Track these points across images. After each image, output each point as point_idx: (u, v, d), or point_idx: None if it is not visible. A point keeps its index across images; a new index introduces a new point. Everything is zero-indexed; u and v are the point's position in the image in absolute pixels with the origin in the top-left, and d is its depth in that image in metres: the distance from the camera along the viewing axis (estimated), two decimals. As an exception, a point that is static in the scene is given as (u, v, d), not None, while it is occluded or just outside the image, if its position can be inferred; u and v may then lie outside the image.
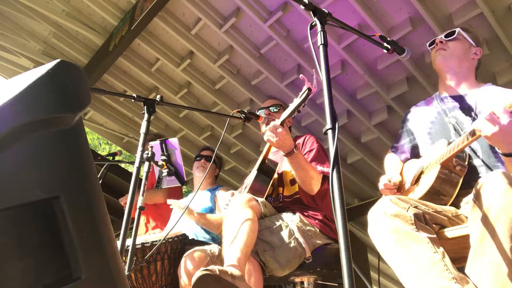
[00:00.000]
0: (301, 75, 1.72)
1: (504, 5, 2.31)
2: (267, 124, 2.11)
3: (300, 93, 1.75)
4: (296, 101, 1.77)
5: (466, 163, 1.43)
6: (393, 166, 1.80)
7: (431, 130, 1.67)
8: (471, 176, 1.45)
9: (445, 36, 1.71)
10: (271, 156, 2.16)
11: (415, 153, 1.76)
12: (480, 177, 1.43)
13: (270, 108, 2.35)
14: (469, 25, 2.34)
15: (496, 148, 1.47)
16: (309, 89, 1.69)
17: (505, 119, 1.15)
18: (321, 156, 2.06)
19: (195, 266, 1.85)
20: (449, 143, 1.44)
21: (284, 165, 2.13)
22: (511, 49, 2.48)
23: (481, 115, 1.21)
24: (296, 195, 2.06)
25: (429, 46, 1.79)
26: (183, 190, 4.01)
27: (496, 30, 2.37)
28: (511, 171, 1.29)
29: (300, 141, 2.21)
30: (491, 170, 1.45)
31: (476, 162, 1.49)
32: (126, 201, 3.05)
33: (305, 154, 2.09)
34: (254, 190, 1.96)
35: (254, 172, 2.06)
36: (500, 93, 1.56)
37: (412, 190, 1.54)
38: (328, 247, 1.93)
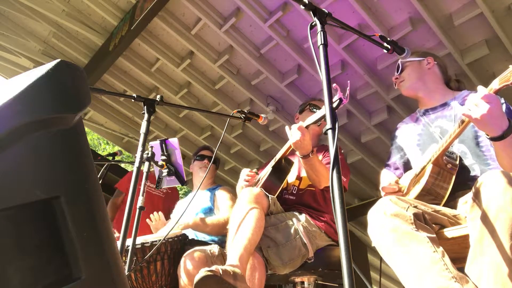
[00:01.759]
0: (334, 84, 1.67)
1: (504, 5, 2.31)
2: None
3: None
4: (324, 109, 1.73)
5: (457, 162, 1.44)
6: (389, 177, 1.81)
7: (419, 141, 1.71)
8: (466, 175, 1.46)
9: (396, 72, 1.88)
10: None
11: (407, 168, 1.79)
12: (474, 175, 1.44)
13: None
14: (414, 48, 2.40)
15: (483, 147, 1.48)
16: (341, 100, 1.63)
17: (491, 101, 1.15)
18: (342, 164, 2.08)
19: (194, 266, 1.85)
20: None
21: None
22: (511, 49, 2.48)
23: (467, 101, 1.21)
24: (309, 187, 2.09)
25: (395, 86, 1.91)
26: (184, 190, 4.01)
27: (496, 30, 2.37)
28: (501, 156, 1.29)
29: (324, 150, 2.23)
30: (484, 167, 1.46)
31: (468, 162, 1.50)
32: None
33: (326, 157, 2.13)
34: (267, 186, 1.96)
35: (269, 168, 2.05)
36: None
37: (408, 193, 1.55)
38: (330, 248, 1.94)
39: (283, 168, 2.04)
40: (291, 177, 2.15)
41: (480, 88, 1.20)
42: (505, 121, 1.18)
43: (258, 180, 2.13)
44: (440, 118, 1.67)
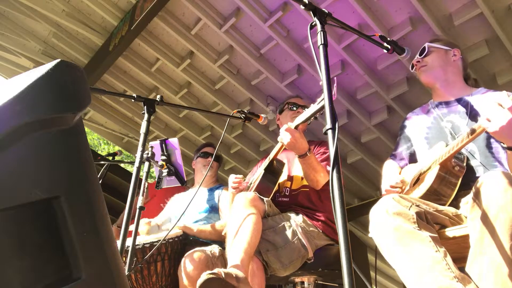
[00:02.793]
0: (321, 82, 1.67)
1: (504, 5, 2.31)
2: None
3: (318, 100, 1.67)
4: (314, 107, 1.70)
5: (465, 164, 1.43)
6: (391, 172, 1.80)
7: (428, 135, 1.69)
8: (470, 176, 1.45)
9: (419, 55, 1.78)
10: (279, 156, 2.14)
11: (413, 159, 1.77)
12: (478, 177, 1.44)
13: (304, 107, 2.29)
14: (437, 36, 2.37)
15: (493, 149, 1.47)
16: None
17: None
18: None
19: (195, 267, 1.85)
20: (447, 145, 1.45)
21: (296, 169, 2.13)
22: (511, 49, 2.48)
23: (486, 110, 1.20)
24: (303, 188, 2.07)
25: (412, 69, 1.84)
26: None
27: (496, 30, 2.37)
28: None
29: (313, 144, 2.20)
30: (489, 170, 1.45)
31: (474, 162, 1.49)
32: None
33: (317, 154, 2.11)
34: (260, 189, 1.95)
35: (261, 171, 2.05)
36: (492, 95, 1.57)
37: (411, 191, 1.54)
38: (330, 247, 1.94)
39: (275, 169, 2.03)
40: (282, 178, 2.14)
41: (503, 94, 1.18)
42: None
43: (251, 183, 2.12)
44: (453, 113, 1.64)
